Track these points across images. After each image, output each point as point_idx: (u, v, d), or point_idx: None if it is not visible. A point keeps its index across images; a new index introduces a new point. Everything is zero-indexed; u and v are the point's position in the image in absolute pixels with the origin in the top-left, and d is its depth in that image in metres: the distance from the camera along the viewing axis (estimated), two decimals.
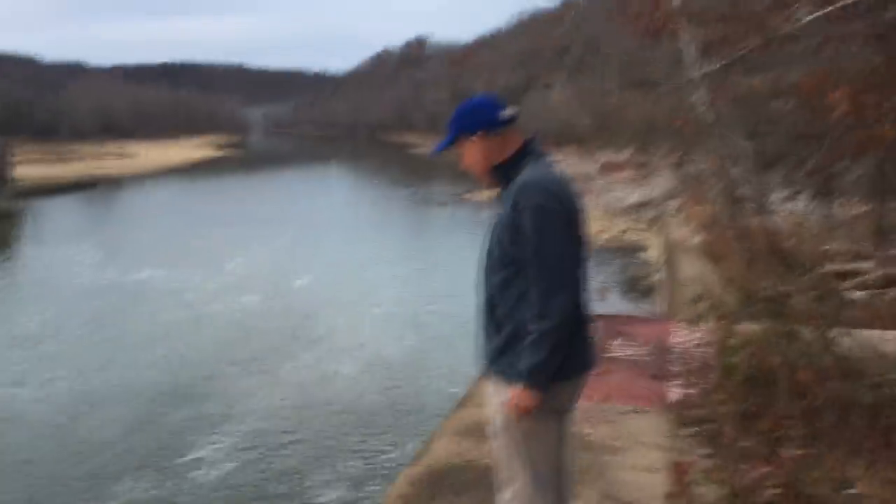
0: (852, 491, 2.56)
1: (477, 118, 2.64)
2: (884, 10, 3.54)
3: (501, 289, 2.58)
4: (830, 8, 3.71)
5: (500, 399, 2.60)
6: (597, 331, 2.72)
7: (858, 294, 10.96)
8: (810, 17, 3.62)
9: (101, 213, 38.24)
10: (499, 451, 2.64)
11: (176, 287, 20.00)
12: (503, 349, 2.57)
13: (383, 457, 10.57)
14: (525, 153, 2.62)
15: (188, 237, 27.63)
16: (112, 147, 76.43)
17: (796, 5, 3.96)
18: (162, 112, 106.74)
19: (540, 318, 2.44)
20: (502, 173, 2.63)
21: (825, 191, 17.62)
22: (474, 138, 2.63)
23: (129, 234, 29.46)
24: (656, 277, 20.30)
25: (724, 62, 5.19)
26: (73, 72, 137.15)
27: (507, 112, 2.65)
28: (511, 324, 2.55)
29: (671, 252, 17.16)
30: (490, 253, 2.66)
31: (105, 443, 11.03)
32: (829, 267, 12.30)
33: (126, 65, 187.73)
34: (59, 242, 26.92)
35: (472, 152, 2.66)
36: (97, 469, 10.24)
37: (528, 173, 2.54)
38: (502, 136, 2.63)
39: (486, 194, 37.41)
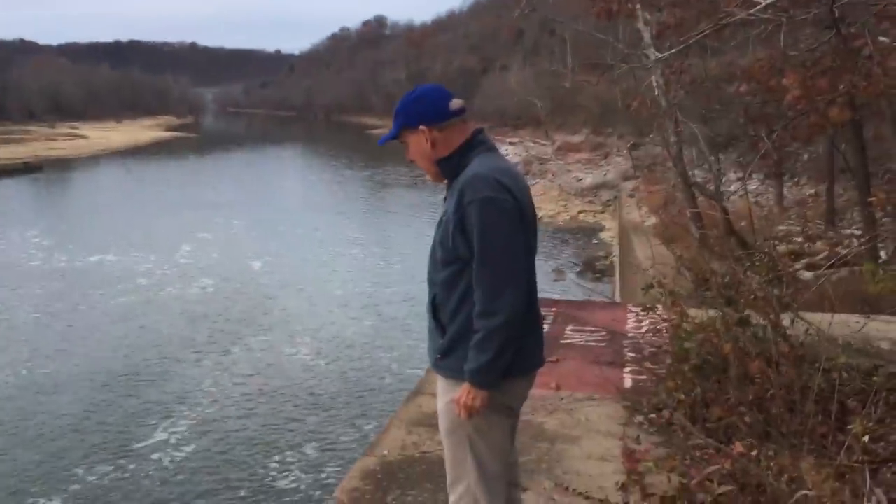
0: (804, 483, 2.56)
1: (420, 110, 2.53)
2: None
3: (445, 287, 2.50)
4: None
5: (447, 399, 2.53)
6: (547, 320, 2.67)
7: (808, 275, 11.16)
8: (762, 4, 3.60)
9: (49, 196, 37.34)
10: (447, 450, 2.58)
11: (128, 272, 19.66)
12: (449, 349, 2.50)
13: (341, 440, 10.57)
14: (472, 146, 2.53)
15: (140, 221, 27.13)
16: (62, 128, 74.52)
17: None
18: (112, 92, 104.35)
19: (486, 315, 2.35)
20: (448, 167, 2.53)
21: (777, 173, 17.92)
22: (418, 131, 2.53)
23: (80, 218, 28.82)
24: (611, 259, 20.49)
25: (677, 48, 5.17)
26: (22, 50, 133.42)
27: (454, 104, 2.53)
28: (456, 323, 2.48)
29: (626, 234, 17.31)
30: (433, 251, 2.57)
31: (60, 428, 10.86)
32: (782, 248, 12.50)
33: (76, 43, 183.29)
34: (6, 226, 26.21)
35: (416, 146, 2.56)
36: (53, 455, 10.10)
37: (474, 166, 2.45)
38: (447, 129, 2.52)
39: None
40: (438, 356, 2.55)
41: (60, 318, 15.77)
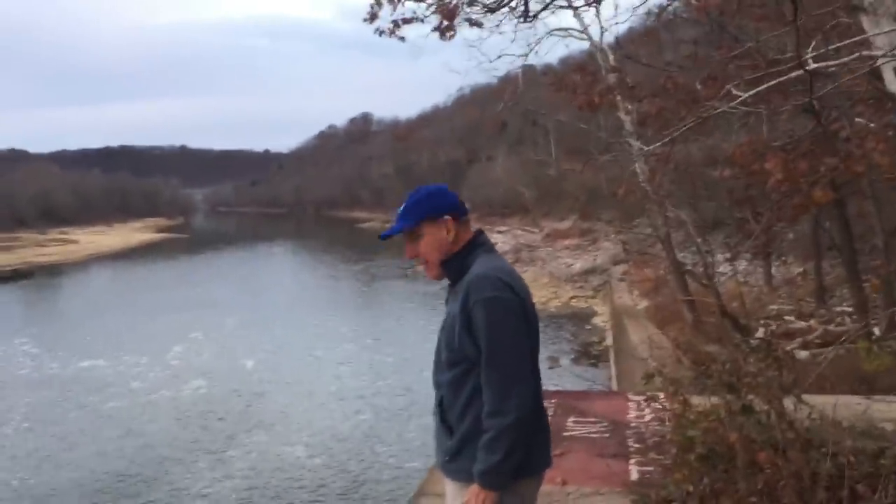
0: None
1: (446, 202, 2.57)
2: (810, 88, 3.68)
3: (452, 388, 2.49)
4: (764, 86, 3.84)
5: (458, 502, 2.49)
6: (548, 412, 2.65)
7: (803, 354, 11.15)
8: (743, 97, 3.73)
9: (39, 303, 37.15)
10: None
11: (120, 376, 19.43)
12: (458, 450, 2.48)
13: None
14: (475, 245, 2.57)
15: (131, 324, 26.95)
16: (53, 233, 74.87)
17: (731, 84, 4.09)
18: (102, 197, 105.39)
19: (496, 414, 2.34)
20: (453, 266, 2.55)
21: (765, 253, 18.12)
22: (441, 221, 2.55)
23: (70, 323, 28.61)
24: (605, 344, 20.42)
25: (661, 142, 5.31)
26: (13, 159, 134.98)
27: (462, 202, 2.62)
28: (465, 424, 2.46)
29: (618, 318, 17.32)
30: (438, 353, 2.57)
31: None
32: (772, 330, 12.53)
33: (67, 150, 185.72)
34: None
35: (433, 237, 2.55)
36: None
37: (478, 266, 2.48)
38: (462, 225, 2.57)
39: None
40: (447, 458, 2.52)
41: (52, 426, 15.48)
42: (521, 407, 2.34)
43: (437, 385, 2.58)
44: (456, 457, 2.49)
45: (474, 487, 2.38)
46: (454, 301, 2.50)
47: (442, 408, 2.55)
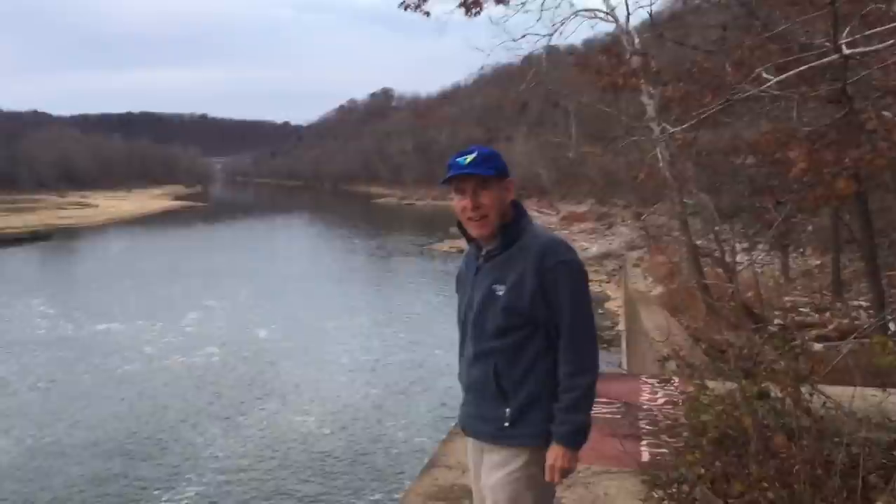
0: None
1: (503, 163, 2.55)
2: (843, 75, 3.63)
3: (511, 354, 2.47)
4: (793, 71, 3.79)
5: (511, 468, 2.47)
6: None
7: (818, 346, 11.09)
8: (773, 81, 3.69)
9: (57, 265, 37.48)
10: None
11: (134, 340, 19.62)
12: (519, 416, 2.46)
13: None
14: (525, 212, 2.58)
15: (147, 289, 27.18)
16: (72, 197, 75.40)
17: (759, 68, 4.04)
18: (122, 162, 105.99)
19: (582, 373, 2.39)
20: (512, 228, 2.52)
21: (783, 244, 17.97)
22: (507, 181, 2.54)
23: (86, 286, 28.88)
24: (618, 328, 20.38)
25: (689, 123, 5.26)
26: (35, 121, 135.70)
27: None
28: (525, 389, 2.46)
29: (632, 304, 17.25)
30: (479, 323, 2.53)
31: (67, 496, 10.74)
32: (791, 320, 12.46)
33: (88, 114, 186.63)
34: (13, 295, 26.26)
35: (499, 195, 2.52)
36: None
37: (537, 231, 2.51)
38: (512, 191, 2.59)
39: (447, 246, 37.49)
40: (507, 424, 2.48)
41: (66, 387, 15.68)
42: (598, 366, 2.43)
43: (484, 354, 2.53)
44: (517, 422, 2.47)
45: (559, 449, 2.39)
46: (507, 267, 2.47)
47: (497, 374, 2.49)
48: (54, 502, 10.60)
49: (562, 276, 2.39)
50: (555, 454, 2.39)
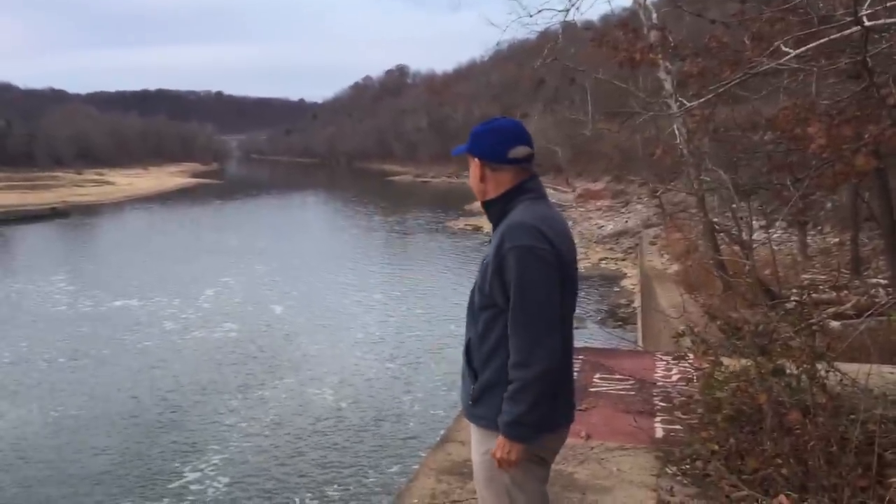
0: None
1: (483, 143, 2.51)
2: (863, 48, 3.56)
3: (480, 333, 2.46)
4: (814, 44, 3.73)
5: (482, 448, 2.49)
6: (575, 367, 2.63)
7: (835, 324, 11.02)
8: (792, 54, 3.63)
9: (75, 241, 37.81)
10: (485, 501, 2.54)
11: (153, 316, 19.81)
12: (480, 396, 2.46)
13: (364, 483, 10.56)
14: (518, 192, 2.49)
15: (164, 266, 27.38)
16: (89, 174, 75.76)
17: (778, 41, 3.97)
18: (138, 140, 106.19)
19: (522, 366, 2.29)
20: (493, 211, 2.51)
21: (801, 221, 17.81)
22: (473, 160, 2.53)
23: (105, 262, 29.14)
24: (634, 306, 20.35)
25: (705, 98, 5.20)
26: (52, 99, 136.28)
27: (516, 152, 2.50)
28: (488, 370, 2.43)
29: (648, 281, 17.20)
30: (471, 296, 2.54)
31: (90, 468, 10.95)
32: (808, 297, 12.37)
33: (105, 92, 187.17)
34: (33, 272, 26.53)
35: (472, 171, 2.56)
36: (84, 493, 10.17)
37: (518, 213, 2.42)
38: (500, 172, 2.49)
39: (462, 224, 37.46)
40: (470, 402, 2.51)
41: (86, 362, 15.89)
42: (548, 361, 2.29)
43: (467, 327, 2.55)
44: (478, 402, 2.47)
45: (501, 438, 2.37)
46: (492, 244, 2.45)
47: (468, 351, 2.52)
48: (81, 472, 10.83)
49: (511, 262, 2.32)
50: (497, 443, 2.38)
